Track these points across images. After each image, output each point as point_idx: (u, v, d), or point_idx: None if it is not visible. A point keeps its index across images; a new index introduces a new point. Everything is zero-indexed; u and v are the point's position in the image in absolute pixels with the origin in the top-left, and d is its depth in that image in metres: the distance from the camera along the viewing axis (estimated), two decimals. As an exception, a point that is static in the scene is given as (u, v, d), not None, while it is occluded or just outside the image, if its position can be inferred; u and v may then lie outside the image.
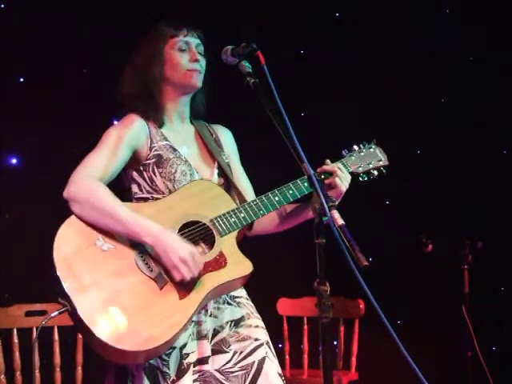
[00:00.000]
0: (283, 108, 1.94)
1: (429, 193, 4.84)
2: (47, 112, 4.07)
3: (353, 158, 2.50)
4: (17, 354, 3.46)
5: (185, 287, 2.19)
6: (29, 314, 3.49)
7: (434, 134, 4.84)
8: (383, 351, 4.17)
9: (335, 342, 4.25)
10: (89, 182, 2.23)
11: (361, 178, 2.51)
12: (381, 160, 2.55)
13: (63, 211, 2.20)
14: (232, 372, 2.29)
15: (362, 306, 4.15)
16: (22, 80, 4.25)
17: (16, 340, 3.46)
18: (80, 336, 3.53)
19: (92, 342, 2.11)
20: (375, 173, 2.53)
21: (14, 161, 4.22)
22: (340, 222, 1.80)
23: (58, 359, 3.55)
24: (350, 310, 4.20)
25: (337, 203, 2.37)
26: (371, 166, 2.52)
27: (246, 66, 2.16)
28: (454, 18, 4.93)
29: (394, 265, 4.66)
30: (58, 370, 3.55)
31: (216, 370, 2.28)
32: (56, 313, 2.15)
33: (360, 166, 2.50)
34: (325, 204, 1.84)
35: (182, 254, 2.15)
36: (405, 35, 4.82)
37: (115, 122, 4.17)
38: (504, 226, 4.76)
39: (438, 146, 4.84)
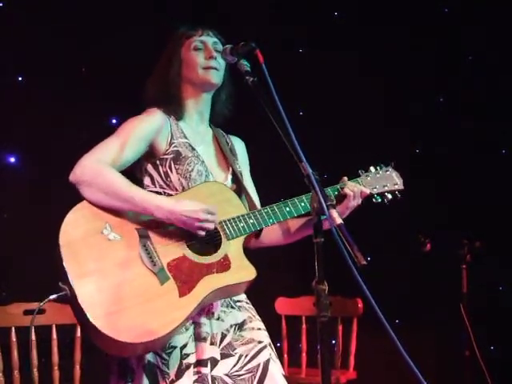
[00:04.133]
0: (282, 107, 1.94)
1: (427, 192, 4.84)
2: (46, 111, 4.06)
3: (368, 178, 2.53)
4: (15, 353, 3.45)
5: (186, 286, 2.19)
6: (27, 312, 3.48)
7: (434, 133, 4.84)
8: (381, 350, 4.16)
9: (333, 341, 4.25)
10: (96, 164, 2.23)
11: (374, 200, 2.53)
12: (396, 184, 2.58)
13: (62, 210, 2.20)
14: (239, 375, 2.30)
15: (360, 305, 4.15)
16: (20, 79, 4.25)
17: (14, 339, 3.45)
18: (78, 335, 3.53)
19: (88, 329, 2.10)
20: (389, 196, 2.55)
21: (12, 159, 4.21)
22: (338, 221, 1.80)
23: (56, 358, 3.54)
24: (348, 309, 4.19)
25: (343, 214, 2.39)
26: (386, 188, 2.55)
27: (245, 65, 2.15)
28: (455, 17, 4.94)
29: (392, 264, 4.66)
30: (56, 368, 3.54)
31: (225, 375, 2.29)
32: (54, 296, 2.14)
33: (375, 187, 2.52)
34: (323, 203, 1.83)
35: (200, 215, 2.19)
36: (404, 36, 4.83)
37: (114, 121, 4.20)
38: (501, 226, 4.76)
39: (438, 146, 4.84)
